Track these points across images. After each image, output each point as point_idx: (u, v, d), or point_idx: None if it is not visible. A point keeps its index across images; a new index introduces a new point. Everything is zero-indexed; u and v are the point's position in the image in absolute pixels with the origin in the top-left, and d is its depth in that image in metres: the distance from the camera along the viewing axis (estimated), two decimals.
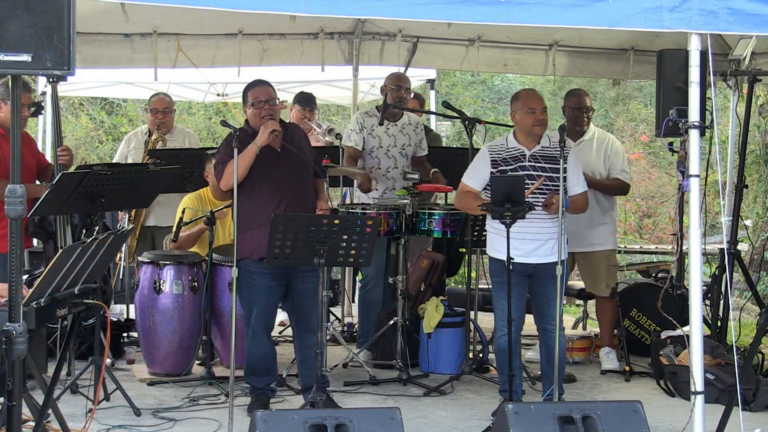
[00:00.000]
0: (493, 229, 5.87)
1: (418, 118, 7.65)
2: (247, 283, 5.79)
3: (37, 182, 6.60)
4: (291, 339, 7.86)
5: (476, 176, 5.93)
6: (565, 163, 5.62)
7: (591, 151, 7.02)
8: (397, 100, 7.24)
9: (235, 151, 5.42)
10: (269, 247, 5.42)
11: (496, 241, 5.84)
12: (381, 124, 7.23)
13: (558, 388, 5.77)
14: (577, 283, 7.78)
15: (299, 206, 5.80)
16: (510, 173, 5.80)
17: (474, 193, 5.91)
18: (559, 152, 5.72)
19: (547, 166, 5.79)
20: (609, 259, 7.22)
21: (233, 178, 5.47)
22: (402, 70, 8.60)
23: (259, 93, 5.85)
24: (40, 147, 8.16)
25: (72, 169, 6.41)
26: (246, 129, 5.85)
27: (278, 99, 5.98)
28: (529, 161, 5.82)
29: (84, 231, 6.49)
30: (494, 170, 5.83)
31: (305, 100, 8.64)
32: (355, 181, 7.44)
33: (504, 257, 5.69)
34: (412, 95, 7.60)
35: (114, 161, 8.56)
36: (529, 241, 5.74)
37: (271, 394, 6.00)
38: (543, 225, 5.74)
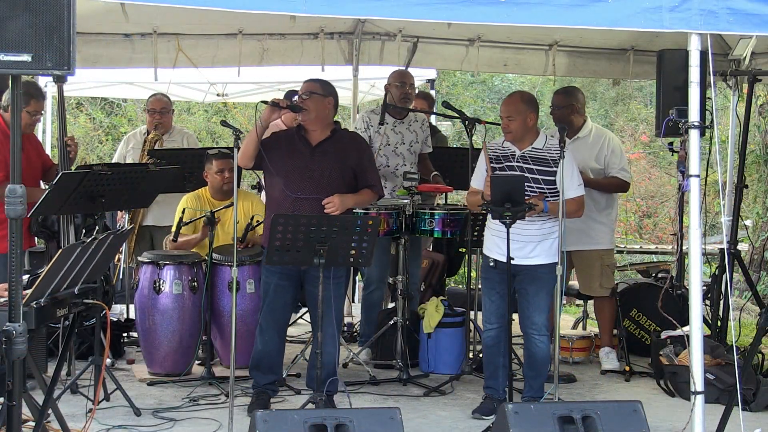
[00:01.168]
0: (488, 226, 5.93)
1: (424, 115, 7.64)
2: (261, 279, 5.94)
3: (41, 183, 6.61)
4: (291, 339, 7.92)
5: (478, 175, 5.97)
6: (552, 165, 5.64)
7: (586, 146, 7.01)
8: (402, 96, 7.24)
9: (235, 151, 5.42)
10: (269, 247, 5.42)
11: (488, 239, 5.92)
12: (381, 123, 7.22)
13: (538, 391, 5.81)
14: (577, 283, 7.79)
15: (313, 205, 5.73)
16: (499, 172, 5.80)
17: (476, 192, 5.93)
18: (551, 154, 5.71)
19: (535, 167, 5.77)
20: (604, 259, 7.20)
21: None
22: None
23: (301, 88, 5.91)
24: None
25: (72, 169, 6.41)
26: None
27: (324, 95, 5.84)
28: (518, 161, 5.80)
29: (84, 231, 6.50)
30: (492, 165, 5.83)
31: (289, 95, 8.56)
32: None
33: (491, 255, 5.82)
34: (417, 91, 7.57)
35: (113, 162, 8.56)
36: (512, 241, 5.68)
37: (272, 393, 5.99)
38: (526, 227, 5.71)
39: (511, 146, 5.86)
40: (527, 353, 5.91)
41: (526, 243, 5.75)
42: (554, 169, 5.67)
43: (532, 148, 5.82)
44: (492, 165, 5.84)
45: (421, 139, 7.43)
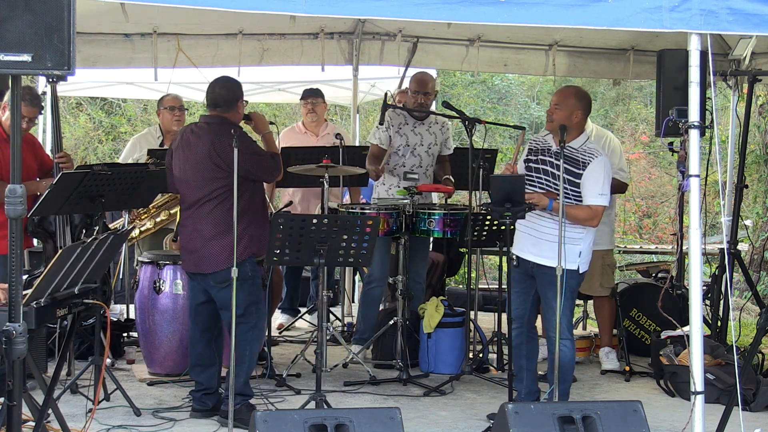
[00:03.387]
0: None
1: (445, 118, 7.63)
2: (255, 282, 5.77)
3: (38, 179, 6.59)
4: (291, 339, 7.93)
5: (520, 161, 5.98)
6: (580, 168, 5.60)
7: None
8: (416, 105, 7.21)
9: (236, 151, 5.38)
10: (269, 247, 5.42)
11: (515, 235, 5.87)
12: (381, 123, 7.22)
13: (562, 397, 5.73)
14: None
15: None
16: (523, 165, 5.81)
17: None
18: (584, 156, 5.63)
19: (566, 166, 5.62)
20: (604, 259, 7.19)
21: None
22: (402, 70, 8.59)
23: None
24: None
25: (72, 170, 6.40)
26: None
27: None
28: (551, 156, 5.73)
29: (84, 231, 6.49)
30: (529, 157, 5.84)
31: (306, 93, 8.56)
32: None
33: (514, 252, 5.79)
34: (434, 97, 7.51)
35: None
36: (527, 236, 5.73)
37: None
38: (543, 223, 5.69)
39: (550, 141, 5.80)
40: (551, 357, 5.89)
41: (542, 240, 5.68)
42: (581, 171, 5.59)
43: (568, 146, 5.66)
44: (529, 157, 5.83)
45: (440, 141, 7.42)
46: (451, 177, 7.33)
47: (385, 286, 7.32)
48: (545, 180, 5.71)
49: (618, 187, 7.21)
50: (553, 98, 5.83)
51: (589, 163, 5.60)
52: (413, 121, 7.29)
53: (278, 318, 8.38)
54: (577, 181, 5.60)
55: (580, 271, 5.72)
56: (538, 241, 5.71)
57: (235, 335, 5.43)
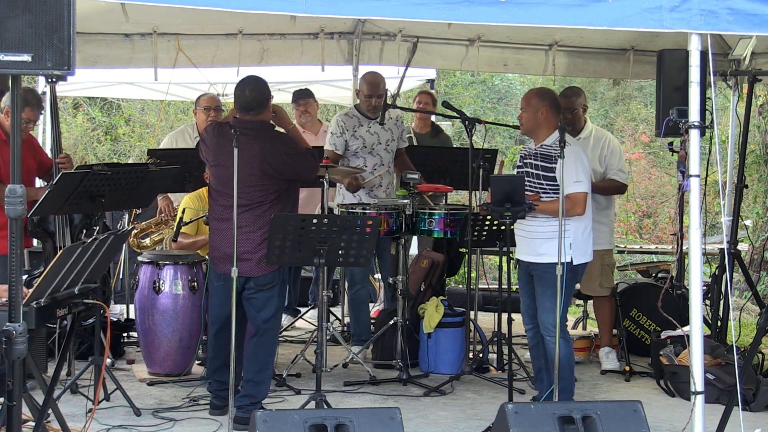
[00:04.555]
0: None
1: (398, 112, 7.61)
2: (285, 286, 5.86)
3: (38, 180, 6.59)
4: (291, 339, 7.93)
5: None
6: (553, 162, 5.65)
7: (587, 149, 6.99)
8: (369, 108, 7.19)
9: (236, 151, 5.36)
10: (269, 247, 5.42)
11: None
12: (381, 123, 7.21)
13: (562, 394, 5.74)
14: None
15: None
16: (515, 172, 5.89)
17: None
18: (555, 151, 5.72)
19: (541, 164, 5.79)
20: (604, 259, 7.19)
21: None
22: (402, 70, 8.58)
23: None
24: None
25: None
26: None
27: None
28: (532, 158, 5.85)
29: (83, 231, 6.49)
30: (518, 164, 5.96)
31: (297, 96, 8.53)
32: (339, 184, 7.40)
33: (516, 256, 5.91)
34: (391, 99, 7.45)
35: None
36: (519, 237, 5.84)
37: None
38: (533, 223, 5.74)
39: (531, 144, 5.92)
40: (545, 355, 5.92)
41: (531, 240, 5.78)
42: (553, 165, 5.67)
43: (542, 145, 5.83)
44: (519, 164, 5.97)
45: (397, 135, 7.41)
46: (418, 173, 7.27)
47: (368, 286, 7.33)
48: (527, 182, 5.80)
49: (617, 189, 7.21)
50: (521, 103, 5.93)
51: (557, 158, 5.64)
52: (368, 121, 7.26)
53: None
54: (551, 174, 5.68)
55: (574, 263, 5.75)
56: (530, 241, 5.81)
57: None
